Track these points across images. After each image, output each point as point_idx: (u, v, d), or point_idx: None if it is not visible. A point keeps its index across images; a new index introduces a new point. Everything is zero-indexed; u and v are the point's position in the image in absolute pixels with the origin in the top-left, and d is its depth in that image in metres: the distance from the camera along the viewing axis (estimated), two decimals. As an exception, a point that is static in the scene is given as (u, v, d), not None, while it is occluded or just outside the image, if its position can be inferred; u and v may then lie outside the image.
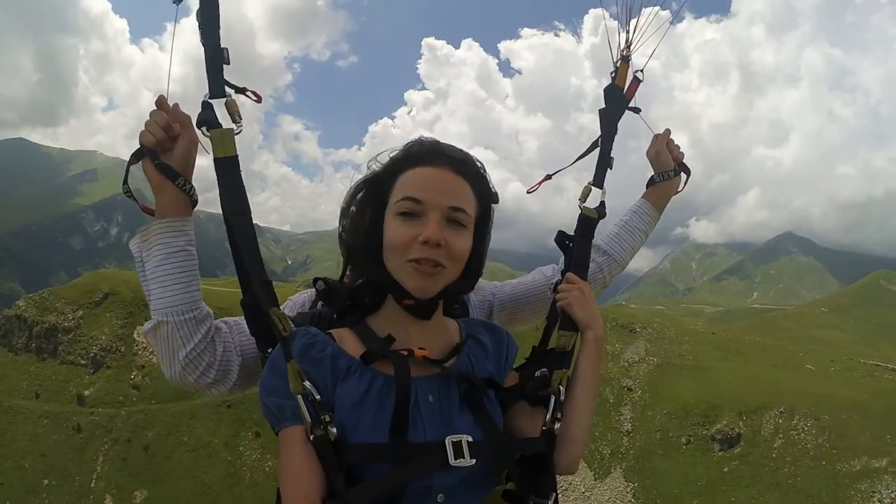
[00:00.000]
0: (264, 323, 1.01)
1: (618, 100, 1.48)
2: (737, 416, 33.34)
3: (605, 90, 1.48)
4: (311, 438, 0.91)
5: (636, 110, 1.51)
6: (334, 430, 0.91)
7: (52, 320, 47.90)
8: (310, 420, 0.91)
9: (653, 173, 1.63)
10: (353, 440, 0.93)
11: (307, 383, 0.93)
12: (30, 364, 46.44)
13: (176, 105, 1.15)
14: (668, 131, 1.63)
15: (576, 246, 1.36)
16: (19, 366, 46.59)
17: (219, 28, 1.12)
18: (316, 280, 1.18)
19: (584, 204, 1.40)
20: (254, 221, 1.13)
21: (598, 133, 1.50)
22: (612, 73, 1.49)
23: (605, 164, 1.44)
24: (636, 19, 1.48)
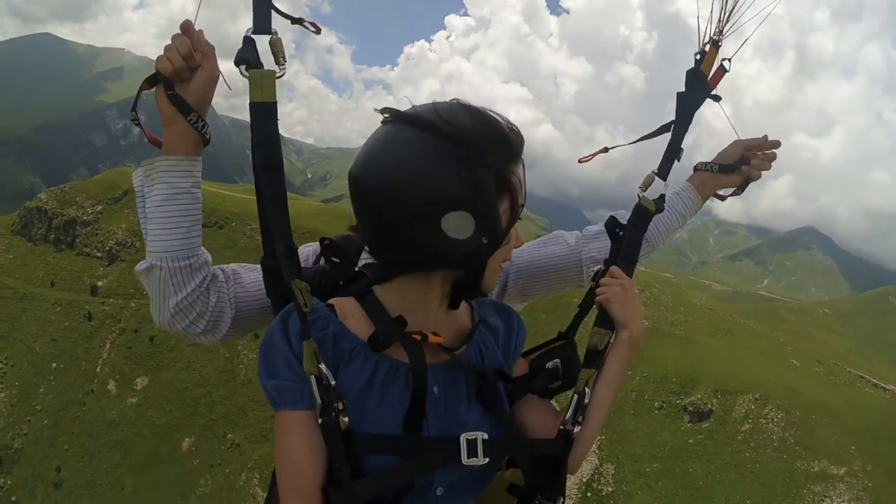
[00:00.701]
0: (283, 288, 0.95)
1: (701, 87, 1.32)
2: (712, 393, 34.11)
3: (687, 73, 1.34)
4: (320, 422, 0.87)
5: (717, 98, 1.36)
6: (346, 419, 0.87)
7: (71, 213, 49.23)
8: (321, 403, 0.86)
9: (710, 160, 1.48)
10: (359, 429, 0.89)
11: (322, 365, 0.87)
12: (47, 254, 48.11)
13: (201, 32, 1.04)
14: (776, 143, 1.45)
15: (626, 237, 1.22)
16: (37, 255, 48.28)
17: None
18: (322, 240, 1.12)
19: (644, 194, 1.25)
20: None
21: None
22: (696, 56, 1.33)
23: (673, 154, 1.29)
24: (734, 4, 1.32)
